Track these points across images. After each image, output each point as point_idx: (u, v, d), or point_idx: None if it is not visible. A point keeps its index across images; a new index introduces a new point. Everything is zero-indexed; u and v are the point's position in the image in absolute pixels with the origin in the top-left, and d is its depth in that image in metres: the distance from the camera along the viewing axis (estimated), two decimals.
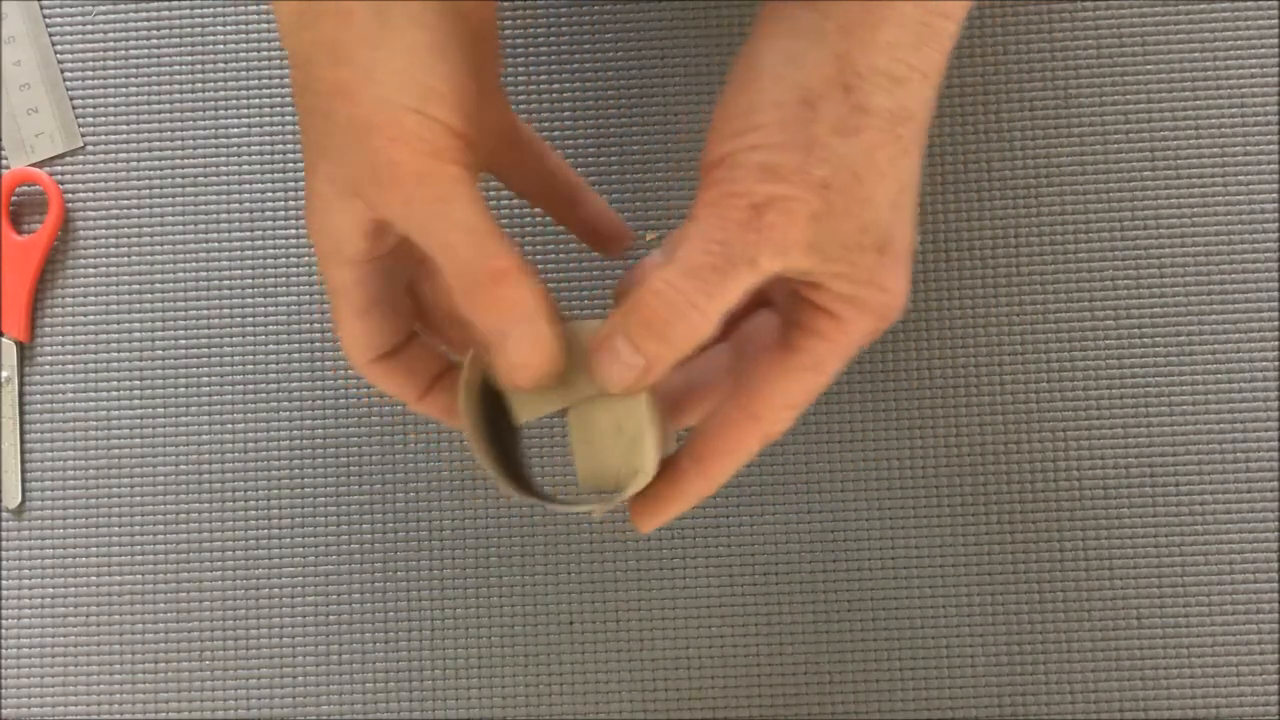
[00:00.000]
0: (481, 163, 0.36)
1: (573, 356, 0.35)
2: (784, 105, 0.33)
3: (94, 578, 0.52)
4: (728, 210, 0.33)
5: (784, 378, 0.35)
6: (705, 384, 0.40)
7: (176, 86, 0.54)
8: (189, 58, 0.54)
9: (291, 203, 0.53)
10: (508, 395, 0.36)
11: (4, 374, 0.53)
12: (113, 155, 0.54)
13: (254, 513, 0.52)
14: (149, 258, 0.53)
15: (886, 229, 0.34)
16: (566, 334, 0.35)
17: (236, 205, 0.54)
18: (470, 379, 0.36)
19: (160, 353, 0.53)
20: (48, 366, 0.53)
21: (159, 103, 0.54)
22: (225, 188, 0.54)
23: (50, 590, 0.52)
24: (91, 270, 0.53)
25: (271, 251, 0.53)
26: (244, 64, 0.54)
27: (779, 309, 0.38)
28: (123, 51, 0.55)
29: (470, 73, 0.34)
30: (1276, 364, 0.51)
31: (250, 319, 0.53)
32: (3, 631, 0.52)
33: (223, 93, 0.54)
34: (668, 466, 0.37)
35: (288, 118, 0.54)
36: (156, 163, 0.54)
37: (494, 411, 0.38)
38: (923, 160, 0.35)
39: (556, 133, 0.53)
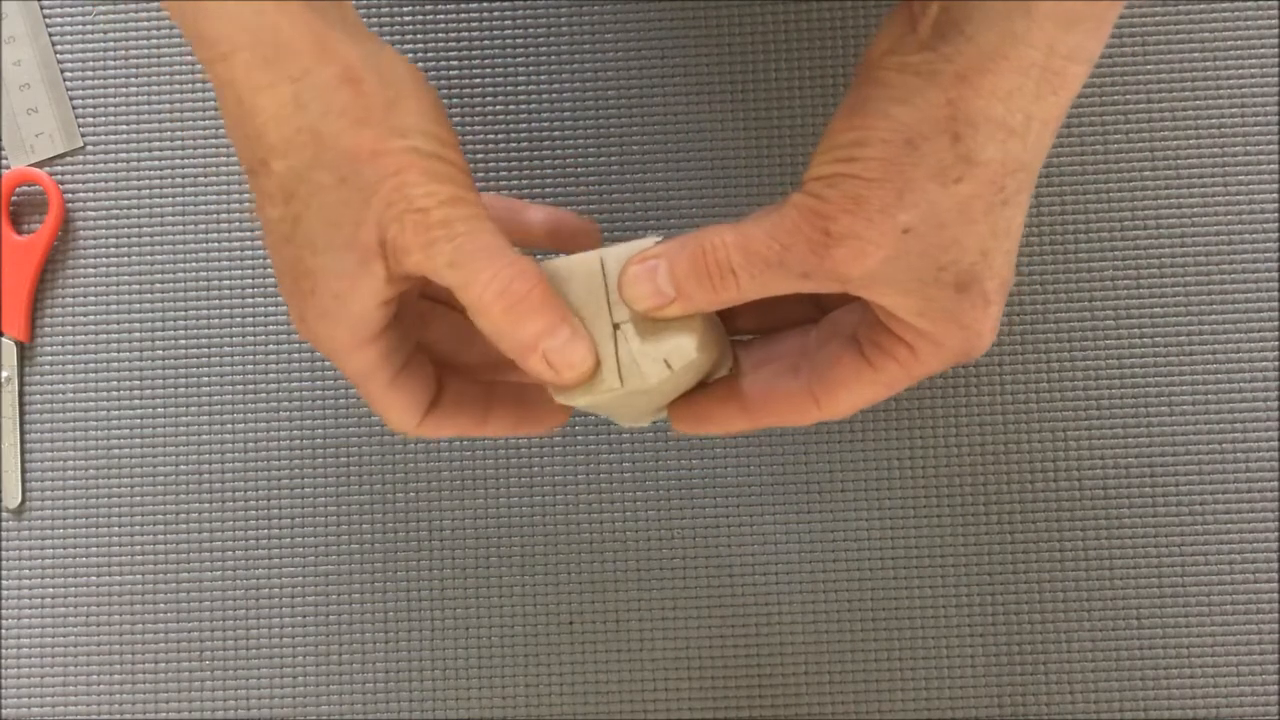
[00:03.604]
0: None
1: (592, 286, 0.36)
2: (889, 143, 0.33)
3: (94, 578, 0.52)
4: (805, 223, 0.34)
5: (856, 384, 0.37)
6: (781, 358, 0.41)
7: (176, 86, 0.54)
8: (189, 58, 0.54)
9: None
10: (550, 390, 0.37)
11: (4, 374, 0.53)
12: (113, 155, 0.54)
13: (254, 513, 0.52)
14: (149, 258, 0.53)
15: (969, 270, 0.34)
16: (589, 262, 0.36)
17: (236, 205, 0.54)
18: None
19: (160, 353, 0.53)
20: (48, 366, 0.53)
21: (159, 103, 0.54)
22: (225, 188, 0.54)
23: (50, 590, 0.52)
24: (91, 270, 0.53)
25: None
26: None
27: (862, 316, 0.39)
28: (123, 51, 0.55)
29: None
30: (1276, 364, 0.51)
31: (250, 319, 0.53)
32: (3, 631, 0.52)
33: None
34: (721, 394, 0.39)
35: None
36: (156, 163, 0.54)
37: None
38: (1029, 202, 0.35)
39: (556, 133, 0.53)
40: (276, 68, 0.33)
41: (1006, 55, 0.32)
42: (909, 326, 0.35)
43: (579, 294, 0.36)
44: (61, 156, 0.54)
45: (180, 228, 0.53)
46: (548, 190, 0.53)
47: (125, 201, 0.54)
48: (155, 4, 0.55)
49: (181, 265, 0.53)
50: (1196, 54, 0.53)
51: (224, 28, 0.33)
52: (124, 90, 0.54)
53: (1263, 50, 0.53)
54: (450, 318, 0.41)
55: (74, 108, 0.54)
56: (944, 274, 0.34)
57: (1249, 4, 0.53)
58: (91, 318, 0.53)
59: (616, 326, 0.36)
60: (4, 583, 0.52)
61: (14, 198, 0.54)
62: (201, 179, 0.54)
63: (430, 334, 0.41)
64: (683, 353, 0.35)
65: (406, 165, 0.33)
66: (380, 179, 0.33)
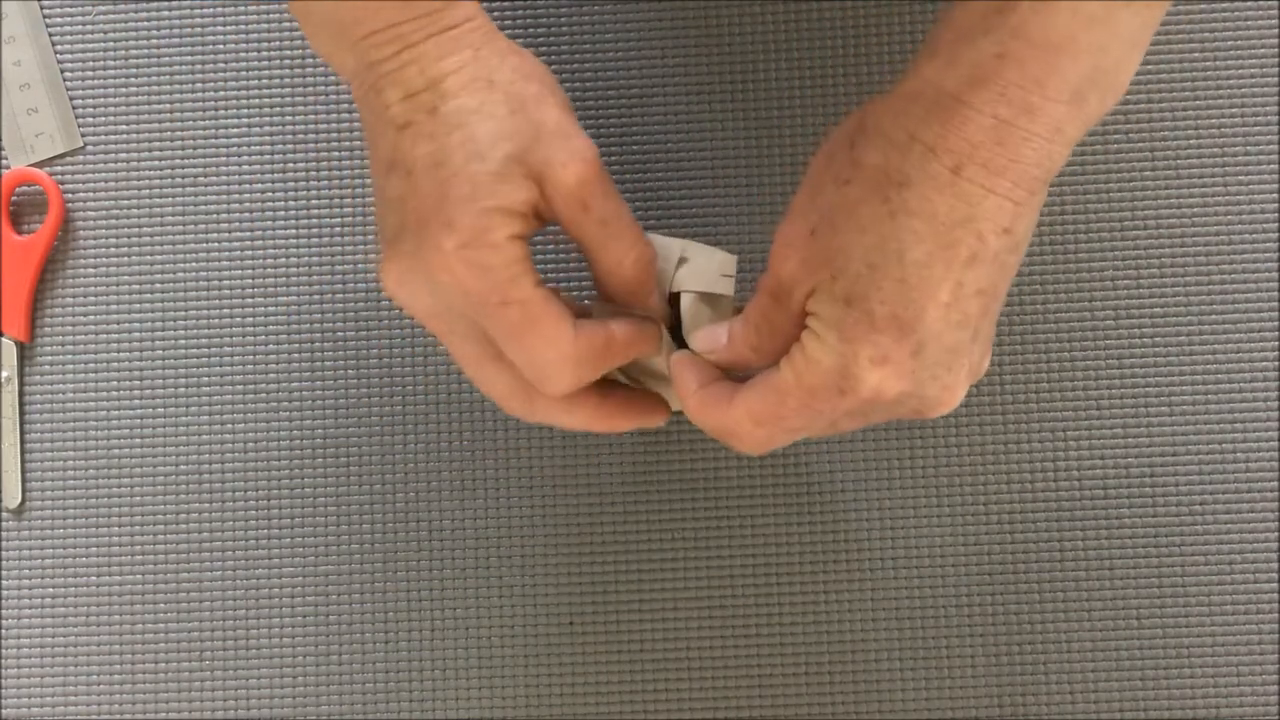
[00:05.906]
0: None
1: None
2: (819, 156, 0.38)
3: (94, 578, 0.52)
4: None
5: (756, 384, 0.40)
6: None
7: (176, 86, 0.54)
8: (189, 58, 0.54)
9: (292, 203, 0.53)
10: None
11: (4, 374, 0.53)
12: (113, 155, 0.54)
13: (254, 513, 0.52)
14: (149, 258, 0.53)
15: (855, 282, 0.36)
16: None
17: (236, 205, 0.54)
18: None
19: (160, 353, 0.53)
20: (48, 366, 0.53)
21: (159, 103, 0.54)
22: (225, 188, 0.54)
23: (50, 590, 0.52)
24: (91, 270, 0.53)
25: (271, 251, 0.53)
26: (244, 64, 0.54)
27: None
28: (123, 51, 0.55)
29: None
30: (1276, 364, 0.51)
31: (250, 319, 0.53)
32: (3, 631, 0.52)
33: (223, 93, 0.54)
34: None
35: (288, 118, 0.54)
36: (156, 163, 0.54)
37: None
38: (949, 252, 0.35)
39: None
40: (460, 41, 0.40)
41: (903, 83, 0.36)
42: (807, 330, 0.37)
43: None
44: (61, 156, 0.54)
45: (180, 228, 0.54)
46: None
47: (125, 201, 0.54)
48: (155, 4, 0.55)
49: (181, 265, 0.53)
50: (1196, 54, 0.53)
51: (413, 15, 0.39)
52: (124, 90, 0.54)
53: (1263, 50, 0.53)
54: None
55: (74, 108, 0.54)
56: (836, 283, 0.36)
57: (1249, 4, 0.53)
58: (91, 318, 0.53)
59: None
60: (4, 583, 0.52)
61: (14, 198, 0.54)
62: (201, 179, 0.54)
63: None
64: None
65: (566, 120, 0.40)
66: (544, 119, 0.39)
